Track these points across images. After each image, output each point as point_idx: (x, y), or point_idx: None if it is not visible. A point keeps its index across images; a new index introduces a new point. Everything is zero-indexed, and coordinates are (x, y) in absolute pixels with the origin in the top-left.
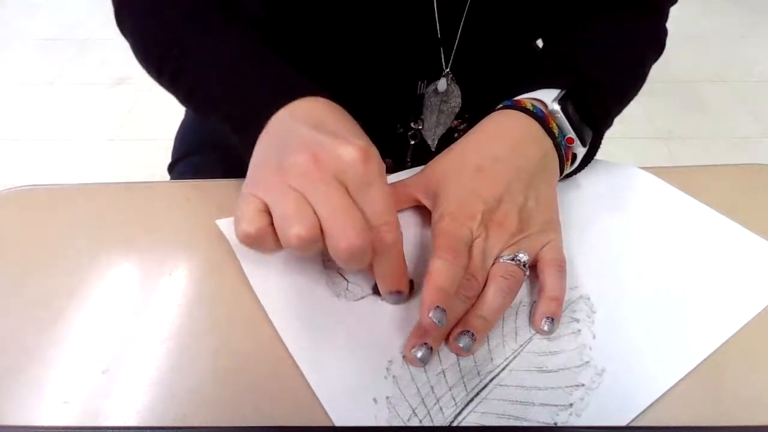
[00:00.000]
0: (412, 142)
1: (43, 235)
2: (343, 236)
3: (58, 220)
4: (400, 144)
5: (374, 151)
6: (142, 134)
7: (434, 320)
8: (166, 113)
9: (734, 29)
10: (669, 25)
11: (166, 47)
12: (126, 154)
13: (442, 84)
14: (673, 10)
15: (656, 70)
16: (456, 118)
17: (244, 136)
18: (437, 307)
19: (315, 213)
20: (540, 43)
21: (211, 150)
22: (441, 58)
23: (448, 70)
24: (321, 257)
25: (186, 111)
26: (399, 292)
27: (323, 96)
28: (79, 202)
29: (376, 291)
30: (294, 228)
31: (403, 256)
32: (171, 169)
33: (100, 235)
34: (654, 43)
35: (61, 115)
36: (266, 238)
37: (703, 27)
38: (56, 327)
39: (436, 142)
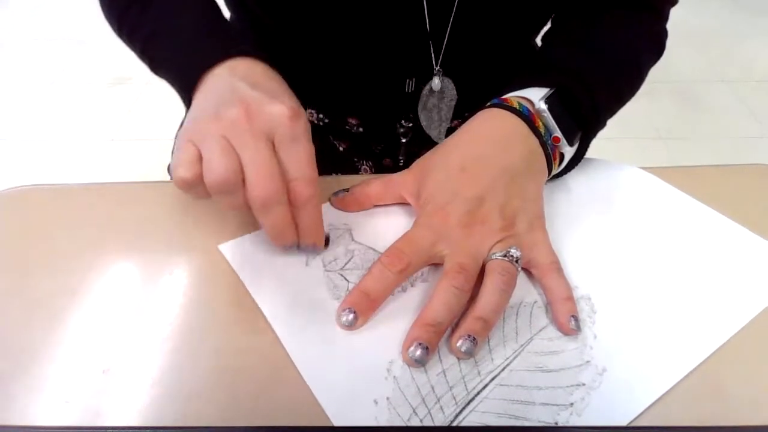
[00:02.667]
0: (404, 140)
1: (43, 235)
2: (259, 184)
3: (58, 220)
4: (399, 143)
5: (302, 112)
6: (142, 134)
7: (343, 323)
8: (166, 113)
9: (734, 29)
10: (669, 24)
11: (128, 2)
12: (126, 154)
13: (436, 83)
14: (673, 10)
15: (656, 70)
16: (455, 118)
17: (185, 87)
18: (348, 309)
19: (239, 161)
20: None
21: None
22: (431, 55)
23: (438, 67)
24: (321, 261)
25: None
26: (314, 245)
27: (262, 59)
28: (79, 202)
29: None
30: (216, 170)
31: (320, 210)
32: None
33: (100, 235)
34: (653, 44)
35: (61, 115)
36: (201, 185)
37: (703, 27)
38: (57, 327)
39: (443, 139)
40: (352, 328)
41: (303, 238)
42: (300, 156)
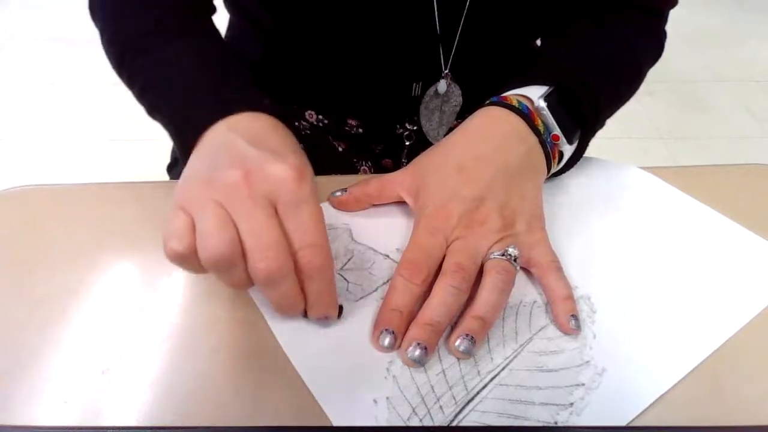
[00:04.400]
0: (408, 143)
1: (43, 235)
2: (262, 257)
3: (58, 220)
4: (399, 144)
5: (309, 171)
6: (142, 134)
7: (383, 345)
8: None
9: (734, 29)
10: (669, 24)
11: (132, 40)
12: (126, 154)
13: (442, 86)
14: (673, 10)
15: (656, 70)
16: (457, 118)
17: (182, 143)
18: (387, 329)
19: (237, 231)
20: (539, 43)
21: None
22: (440, 58)
23: (447, 71)
24: None
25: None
26: (326, 318)
27: (265, 112)
28: (79, 202)
29: (305, 314)
30: (210, 243)
31: (333, 280)
32: (170, 169)
33: (100, 235)
34: (652, 45)
35: (61, 115)
36: (195, 257)
37: (703, 27)
38: (56, 327)
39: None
40: (392, 349)
41: (314, 311)
42: (308, 221)
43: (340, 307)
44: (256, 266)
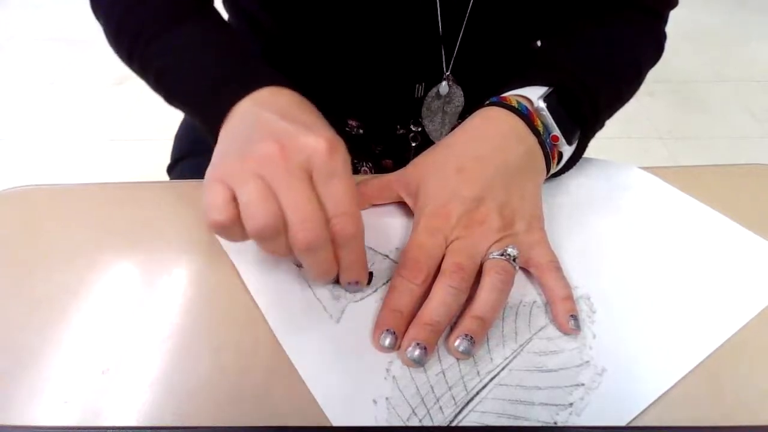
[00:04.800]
0: (414, 144)
1: (43, 235)
2: (301, 228)
3: (58, 220)
4: (400, 145)
5: (340, 143)
6: (142, 134)
7: (384, 345)
8: (166, 113)
9: (734, 29)
10: (669, 24)
11: (138, 32)
12: (126, 154)
13: (443, 87)
14: (674, 10)
15: (656, 70)
16: (460, 119)
17: (209, 123)
18: (387, 329)
19: (278, 202)
20: (540, 43)
21: (210, 151)
22: (442, 60)
23: (448, 72)
24: None
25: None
26: (357, 283)
27: (288, 87)
28: (79, 202)
29: (337, 280)
30: (257, 217)
31: (364, 247)
32: (170, 170)
33: (100, 235)
34: (652, 46)
35: (62, 115)
36: (236, 227)
37: (703, 27)
38: (56, 327)
39: None
40: (393, 349)
41: (346, 276)
42: (341, 191)
43: (370, 274)
44: (296, 236)
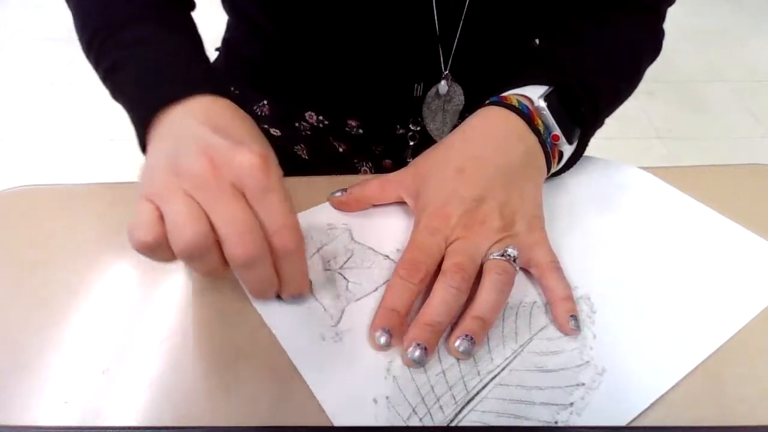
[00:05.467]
0: (412, 143)
1: (43, 235)
2: (240, 242)
3: (58, 220)
4: (400, 145)
5: (273, 158)
6: None
7: (380, 344)
8: None
9: (734, 29)
10: (669, 24)
11: (102, 23)
12: (126, 154)
13: (443, 86)
14: (673, 10)
15: (656, 70)
16: (460, 118)
17: (139, 126)
18: (383, 328)
19: (209, 220)
20: (538, 42)
21: None
22: (440, 59)
23: (447, 71)
24: (321, 260)
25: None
26: (300, 294)
27: (223, 96)
28: (79, 202)
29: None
30: (184, 234)
31: (305, 259)
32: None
33: (100, 235)
34: (651, 44)
35: (61, 115)
36: (162, 248)
37: (703, 27)
38: (56, 327)
39: None
40: (388, 348)
41: (289, 289)
42: (277, 205)
43: (310, 282)
44: (234, 252)
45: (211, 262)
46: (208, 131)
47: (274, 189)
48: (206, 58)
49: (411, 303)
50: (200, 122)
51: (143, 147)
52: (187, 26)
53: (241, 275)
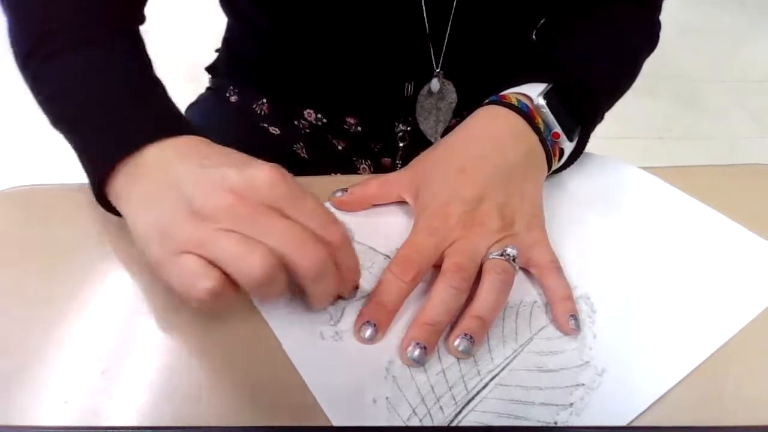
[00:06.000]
0: (402, 144)
1: (43, 235)
2: (305, 255)
3: (58, 220)
4: (396, 143)
5: (281, 167)
6: None
7: (364, 337)
8: None
9: (734, 29)
10: (669, 24)
11: (41, 37)
12: None
13: (434, 84)
14: (673, 10)
15: (656, 70)
16: (454, 117)
17: (99, 165)
18: (368, 321)
19: (268, 247)
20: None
21: None
22: (431, 57)
23: (438, 69)
24: None
25: (184, 111)
26: (356, 285)
27: (192, 132)
28: (79, 202)
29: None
30: (252, 264)
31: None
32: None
33: (100, 235)
34: (646, 36)
35: None
36: (228, 289)
37: (702, 27)
38: (56, 327)
39: (438, 140)
40: (373, 341)
41: (350, 283)
42: (313, 207)
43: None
44: (304, 265)
45: (281, 283)
46: (209, 164)
47: (302, 194)
48: (165, 91)
49: (400, 300)
50: (192, 159)
51: (99, 191)
52: (140, 49)
53: (311, 286)
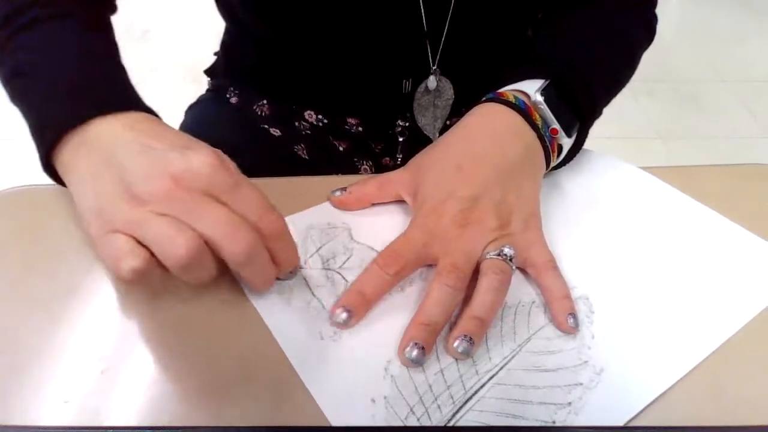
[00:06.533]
0: (401, 139)
1: (43, 235)
2: (235, 242)
3: (58, 220)
4: (396, 142)
5: (223, 154)
6: None
7: (337, 321)
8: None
9: (734, 29)
10: (669, 25)
11: (6, 13)
12: None
13: (431, 82)
14: (673, 10)
15: (655, 70)
16: (452, 115)
17: (48, 135)
18: (344, 307)
19: (196, 231)
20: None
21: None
22: (428, 54)
23: (435, 66)
24: (320, 259)
25: (185, 112)
26: (294, 268)
27: (142, 109)
28: None
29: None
30: (177, 246)
31: (290, 233)
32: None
33: None
34: (644, 30)
35: None
36: (154, 269)
37: (703, 27)
38: (56, 327)
39: (437, 136)
40: (346, 326)
41: (286, 267)
42: (250, 195)
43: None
44: (233, 250)
45: (208, 268)
46: (155, 144)
47: (241, 182)
48: (121, 68)
49: (380, 292)
50: (137, 137)
51: (47, 160)
52: (106, 31)
53: (242, 272)
